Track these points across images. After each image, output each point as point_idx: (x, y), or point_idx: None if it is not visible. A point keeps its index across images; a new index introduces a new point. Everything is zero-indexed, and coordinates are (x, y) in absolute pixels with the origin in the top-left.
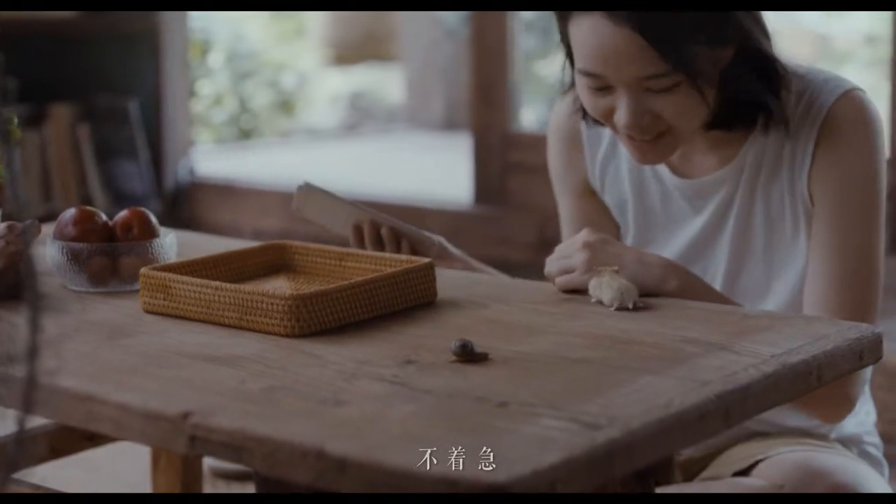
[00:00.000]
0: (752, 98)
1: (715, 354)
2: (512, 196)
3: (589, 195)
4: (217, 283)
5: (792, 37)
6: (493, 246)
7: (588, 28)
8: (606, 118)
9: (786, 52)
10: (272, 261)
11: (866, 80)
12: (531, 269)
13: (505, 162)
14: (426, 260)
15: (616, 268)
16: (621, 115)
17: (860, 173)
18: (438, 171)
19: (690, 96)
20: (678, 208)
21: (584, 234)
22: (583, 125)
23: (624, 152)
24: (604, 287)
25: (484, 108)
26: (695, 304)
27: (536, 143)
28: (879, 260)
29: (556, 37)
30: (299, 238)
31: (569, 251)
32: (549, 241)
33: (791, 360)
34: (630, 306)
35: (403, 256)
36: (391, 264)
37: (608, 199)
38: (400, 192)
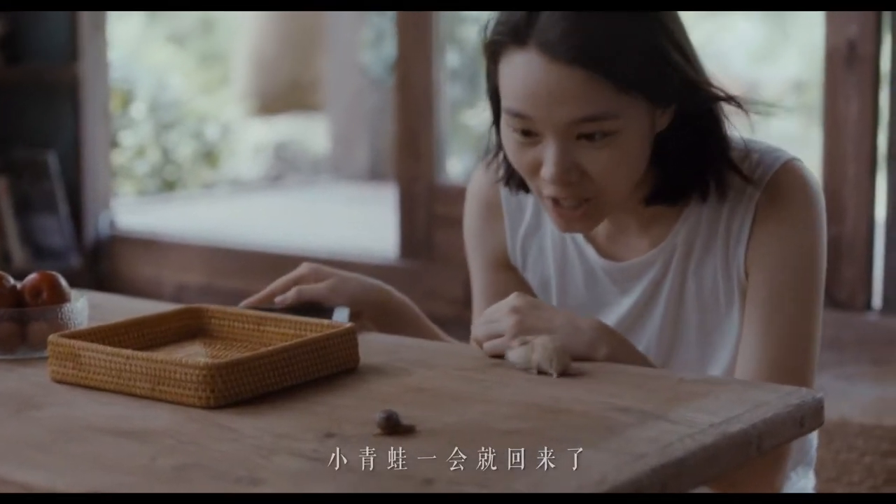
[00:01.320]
0: (693, 166)
1: (649, 424)
2: (438, 249)
3: (506, 269)
4: (128, 351)
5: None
6: (420, 300)
7: (521, 64)
8: (532, 174)
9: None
10: (188, 325)
11: (795, 127)
12: (458, 324)
13: (431, 214)
14: (347, 324)
15: (547, 337)
16: (548, 167)
17: (800, 248)
18: (363, 224)
19: (623, 150)
20: (604, 290)
21: (513, 299)
22: (503, 196)
23: (549, 227)
24: (530, 352)
25: (409, 160)
26: (627, 368)
27: (463, 195)
28: (817, 340)
29: (484, 87)
30: (223, 294)
31: (497, 315)
32: None
33: (730, 429)
34: (553, 373)
35: (325, 321)
36: (311, 329)
37: (531, 276)
38: (324, 245)
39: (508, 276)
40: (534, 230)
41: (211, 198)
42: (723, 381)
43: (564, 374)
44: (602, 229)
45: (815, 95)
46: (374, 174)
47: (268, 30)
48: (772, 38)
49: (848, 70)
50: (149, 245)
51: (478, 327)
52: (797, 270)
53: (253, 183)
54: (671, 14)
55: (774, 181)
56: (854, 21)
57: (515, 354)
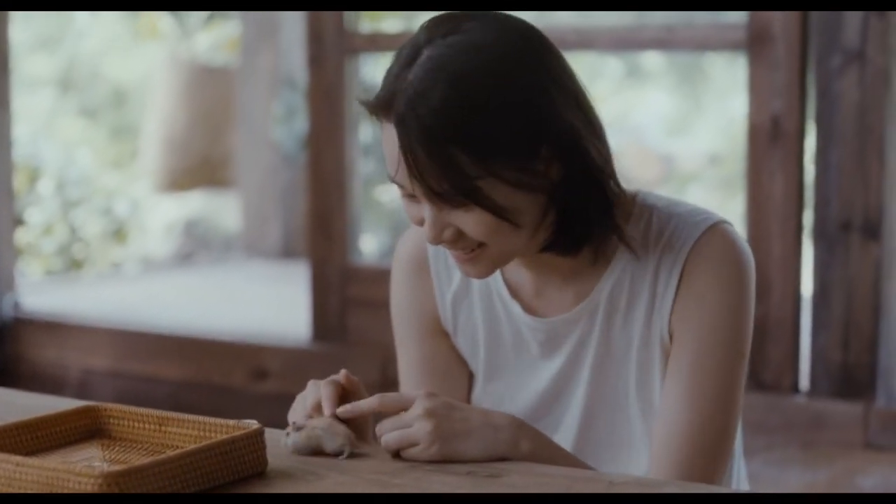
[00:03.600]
0: (581, 221)
1: None
2: (352, 332)
3: (439, 336)
4: (18, 458)
5: (637, 158)
6: None
7: (387, 135)
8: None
9: (632, 175)
10: (85, 425)
11: (712, 200)
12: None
13: (344, 297)
14: (255, 425)
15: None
16: (425, 229)
17: (726, 315)
18: (276, 304)
19: (487, 218)
20: (531, 353)
21: (424, 401)
22: (431, 259)
23: (476, 289)
24: (322, 437)
25: (321, 240)
26: (553, 470)
27: (377, 276)
28: (737, 411)
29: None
30: (130, 378)
31: (409, 420)
32: (391, 380)
33: None
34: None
35: (231, 422)
36: (216, 430)
37: (462, 342)
38: (235, 327)
39: (441, 344)
40: (463, 294)
41: (120, 277)
42: (656, 484)
43: (353, 455)
44: (528, 284)
45: (731, 168)
46: (287, 252)
47: (178, 105)
48: (686, 111)
49: (772, 146)
50: (54, 328)
51: (389, 435)
52: (723, 335)
53: (163, 261)
54: (544, 83)
55: (701, 244)
56: (778, 97)
57: (293, 439)
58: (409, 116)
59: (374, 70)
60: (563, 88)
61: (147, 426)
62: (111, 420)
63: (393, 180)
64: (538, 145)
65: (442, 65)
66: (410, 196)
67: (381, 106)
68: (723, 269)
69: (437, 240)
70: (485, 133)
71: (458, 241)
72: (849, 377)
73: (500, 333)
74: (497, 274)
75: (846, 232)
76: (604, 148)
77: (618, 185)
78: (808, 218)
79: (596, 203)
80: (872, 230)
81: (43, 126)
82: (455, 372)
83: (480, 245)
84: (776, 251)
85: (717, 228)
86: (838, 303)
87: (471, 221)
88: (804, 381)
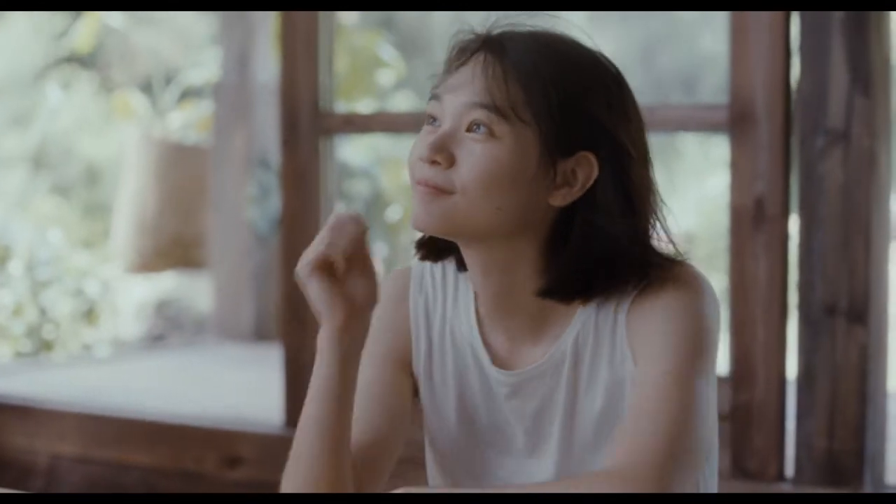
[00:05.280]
0: (603, 252)
1: None
2: None
3: (402, 370)
4: None
5: None
6: None
7: (463, 70)
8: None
9: None
10: None
11: None
12: None
13: None
14: None
15: None
16: (426, 142)
17: (683, 329)
18: (249, 388)
19: (496, 156)
20: (501, 408)
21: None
22: (412, 307)
23: (448, 346)
24: None
25: (295, 324)
26: None
27: None
28: (699, 421)
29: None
30: (101, 464)
31: None
32: None
33: None
34: None
35: None
36: None
37: (440, 395)
38: (207, 411)
39: (399, 378)
40: (439, 348)
41: (90, 359)
42: None
43: None
44: (501, 337)
45: (707, 248)
46: (260, 334)
47: (150, 184)
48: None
49: (755, 228)
50: (23, 412)
51: None
52: (683, 344)
53: (134, 343)
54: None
55: (658, 271)
56: (761, 178)
57: None
58: (503, 41)
59: (349, 151)
60: (631, 127)
61: None
62: None
63: (433, 96)
64: (582, 145)
65: (547, 40)
66: (433, 123)
67: (484, 38)
68: (681, 285)
69: (432, 154)
70: (560, 95)
71: (440, 171)
72: (835, 464)
73: (472, 388)
74: (474, 328)
75: (831, 316)
76: (642, 202)
77: (643, 254)
78: (792, 301)
79: (627, 236)
80: (858, 314)
81: (15, 204)
82: (400, 410)
83: (443, 191)
84: (760, 335)
85: (675, 261)
86: (823, 388)
87: (473, 152)
88: (789, 469)
